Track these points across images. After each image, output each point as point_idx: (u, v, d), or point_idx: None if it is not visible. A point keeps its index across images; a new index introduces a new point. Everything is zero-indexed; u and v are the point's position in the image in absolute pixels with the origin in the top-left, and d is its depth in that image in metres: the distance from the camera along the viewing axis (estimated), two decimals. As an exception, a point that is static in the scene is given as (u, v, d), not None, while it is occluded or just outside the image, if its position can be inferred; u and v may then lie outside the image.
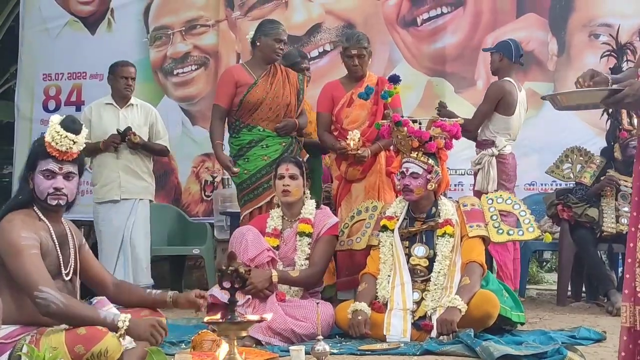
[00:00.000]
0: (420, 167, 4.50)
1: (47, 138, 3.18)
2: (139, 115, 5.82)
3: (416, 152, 4.52)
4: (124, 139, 5.62)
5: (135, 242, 5.71)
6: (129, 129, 5.61)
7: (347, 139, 5.07)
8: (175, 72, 7.64)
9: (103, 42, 7.54)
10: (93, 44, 7.71)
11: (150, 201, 5.94)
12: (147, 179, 5.86)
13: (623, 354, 2.67)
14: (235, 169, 5.20)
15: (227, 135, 5.42)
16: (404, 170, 4.51)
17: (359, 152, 5.04)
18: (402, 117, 4.75)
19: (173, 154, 7.48)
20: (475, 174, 5.63)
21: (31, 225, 3.16)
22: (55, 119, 3.25)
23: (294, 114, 5.30)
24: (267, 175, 5.12)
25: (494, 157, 5.52)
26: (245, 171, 5.23)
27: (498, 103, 5.56)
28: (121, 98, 5.79)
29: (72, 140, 3.19)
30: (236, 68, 5.60)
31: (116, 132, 5.61)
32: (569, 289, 6.10)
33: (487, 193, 5.05)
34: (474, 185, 5.67)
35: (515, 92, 5.59)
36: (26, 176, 3.26)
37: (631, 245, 2.68)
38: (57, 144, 3.17)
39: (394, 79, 5.04)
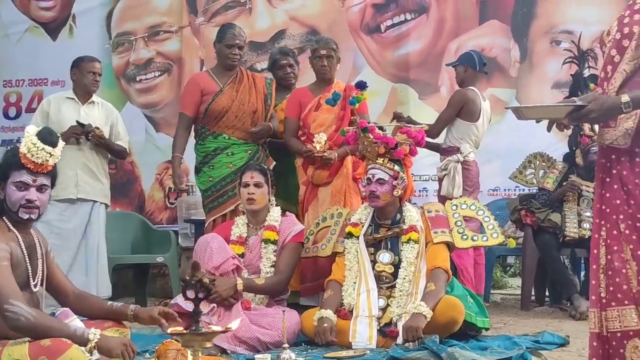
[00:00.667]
0: (387, 173, 4.51)
1: (23, 149, 3.13)
2: (100, 114, 5.64)
3: (382, 159, 4.53)
4: (86, 135, 5.44)
5: (96, 249, 5.55)
6: (90, 125, 5.45)
7: (313, 142, 5.08)
8: (138, 79, 7.60)
9: (64, 48, 7.45)
10: (54, 50, 7.64)
11: (107, 206, 5.78)
12: (104, 181, 5.71)
13: (594, 359, 2.71)
14: (183, 187, 5.34)
15: (194, 141, 5.40)
16: (370, 176, 4.52)
17: (325, 154, 5.04)
18: (369, 123, 4.77)
19: (136, 162, 7.47)
20: (441, 180, 5.68)
21: (1, 236, 3.11)
22: (32, 129, 3.19)
23: (261, 120, 5.28)
24: (232, 183, 5.12)
25: (459, 164, 5.58)
26: (210, 178, 5.23)
27: (461, 109, 5.64)
28: (85, 94, 5.59)
29: (49, 153, 3.15)
30: (201, 75, 5.54)
31: (77, 125, 5.42)
32: (533, 293, 6.16)
33: (452, 199, 5.09)
34: (439, 190, 5.71)
35: (478, 101, 5.67)
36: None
37: (595, 251, 2.71)
38: (32, 155, 3.12)
39: (361, 85, 5.10)
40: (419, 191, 6.79)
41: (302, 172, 5.25)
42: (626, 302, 2.63)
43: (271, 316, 4.29)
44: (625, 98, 2.60)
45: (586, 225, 5.81)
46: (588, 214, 5.84)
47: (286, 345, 3.68)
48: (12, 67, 7.66)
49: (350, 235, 4.58)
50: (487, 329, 4.46)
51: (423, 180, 6.93)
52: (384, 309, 4.32)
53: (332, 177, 5.17)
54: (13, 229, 3.18)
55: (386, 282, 4.42)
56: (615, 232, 2.67)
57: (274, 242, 4.62)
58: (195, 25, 7.55)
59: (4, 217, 3.18)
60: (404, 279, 4.36)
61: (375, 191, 4.49)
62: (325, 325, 4.21)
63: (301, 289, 4.98)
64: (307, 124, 5.22)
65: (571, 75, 6.04)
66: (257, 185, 4.66)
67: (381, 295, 4.37)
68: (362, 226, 4.58)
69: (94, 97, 5.69)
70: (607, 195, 2.72)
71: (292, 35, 7.41)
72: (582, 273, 6.41)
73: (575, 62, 6.01)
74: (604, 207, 2.72)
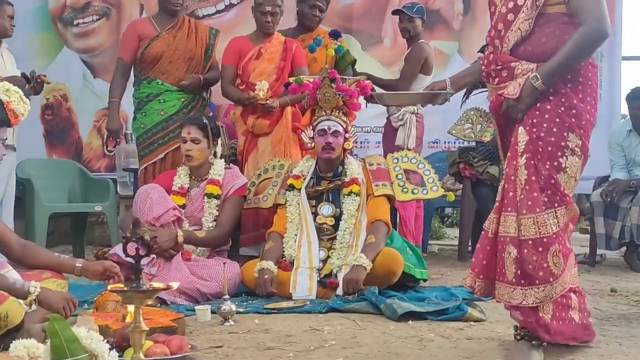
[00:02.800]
0: (341, 125, 4.52)
1: (17, 106, 3.14)
2: (10, 57, 5.37)
3: (338, 111, 4.53)
4: (29, 82, 5.19)
5: (11, 204, 5.34)
6: (34, 72, 5.23)
7: (255, 90, 5.04)
8: (75, 23, 7.39)
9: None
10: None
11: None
12: None
13: (480, 255, 2.95)
14: (116, 136, 5.37)
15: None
16: (326, 128, 4.51)
17: (267, 102, 5.01)
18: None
19: (73, 108, 7.31)
20: (396, 130, 5.72)
21: None
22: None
23: (199, 69, 5.25)
24: (163, 131, 5.17)
25: (414, 115, 5.65)
26: (142, 125, 5.24)
27: (422, 64, 5.72)
28: (2, 37, 5.28)
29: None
30: (141, 21, 5.51)
31: (22, 76, 5.17)
32: (470, 244, 6.28)
33: (408, 149, 5.19)
34: (395, 140, 5.72)
35: (432, 54, 5.78)
36: None
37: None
38: (22, 112, 3.20)
39: (335, 34, 5.12)
40: (361, 143, 6.81)
41: (241, 122, 5.22)
42: (510, 209, 2.82)
43: (212, 268, 4.29)
44: (533, 75, 2.80)
45: (523, 178, 5.92)
46: (525, 167, 5.96)
47: (227, 296, 3.69)
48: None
49: (292, 187, 4.59)
50: (425, 280, 4.54)
51: (365, 132, 6.95)
52: (324, 261, 4.36)
53: (272, 126, 5.15)
54: None
55: (327, 234, 4.45)
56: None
57: (217, 197, 4.60)
58: (136, -32, 7.35)
59: None
60: (345, 231, 4.40)
61: (331, 143, 4.49)
62: (265, 276, 4.23)
63: (241, 239, 4.99)
64: (247, 73, 5.18)
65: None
66: (194, 141, 4.61)
67: (322, 247, 4.41)
68: (304, 178, 4.59)
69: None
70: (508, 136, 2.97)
71: (235, -18, 7.29)
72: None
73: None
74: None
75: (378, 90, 5.51)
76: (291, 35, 5.39)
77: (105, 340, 2.12)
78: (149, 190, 4.46)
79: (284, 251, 4.44)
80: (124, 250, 2.10)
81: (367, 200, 4.50)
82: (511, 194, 2.82)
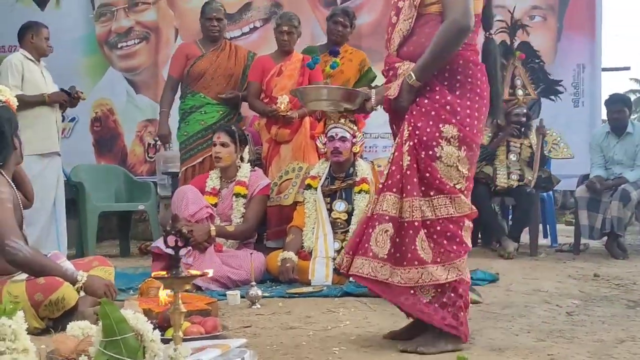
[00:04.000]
0: (347, 132, 4.53)
1: None
2: (49, 75, 5.38)
3: (344, 119, 4.54)
4: (70, 99, 5.27)
5: (62, 205, 5.34)
6: (74, 88, 5.32)
7: (277, 103, 5.06)
8: (119, 46, 7.45)
9: (52, 17, 7.20)
10: (43, 19, 7.30)
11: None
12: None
13: (357, 239, 2.73)
14: (165, 140, 5.45)
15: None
16: (334, 134, 4.52)
17: (288, 113, 5.04)
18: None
19: (119, 120, 7.39)
20: None
21: (6, 184, 3.08)
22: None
23: (237, 86, 5.34)
24: (202, 138, 5.23)
25: None
26: (185, 133, 5.31)
27: None
28: (40, 56, 5.32)
29: None
30: (189, 44, 5.62)
31: (61, 91, 5.24)
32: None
33: None
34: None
35: None
36: (11, 137, 3.15)
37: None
38: None
39: (334, 52, 5.14)
40: (369, 147, 6.81)
41: (265, 131, 5.24)
42: (394, 190, 2.66)
43: (240, 257, 4.32)
44: (407, 73, 2.64)
45: (514, 176, 5.91)
46: (517, 167, 5.94)
47: (253, 282, 3.72)
48: (4, 34, 7.40)
49: (309, 186, 4.60)
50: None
51: (373, 138, 6.95)
52: (338, 251, 4.35)
53: (292, 135, 5.16)
54: (8, 179, 3.14)
55: (341, 228, 4.46)
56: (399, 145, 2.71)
57: (244, 196, 4.64)
58: (171, -3, 7.40)
59: (0, 170, 3.14)
60: (356, 224, 4.39)
61: (338, 147, 4.50)
62: (287, 265, 4.26)
63: (267, 233, 5.02)
64: (269, 88, 5.20)
65: (499, 44, 6.06)
66: (223, 144, 4.66)
67: (336, 239, 4.42)
68: (320, 179, 4.60)
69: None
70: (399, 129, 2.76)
71: (257, 7, 7.31)
72: (510, 218, 6.53)
73: (506, 32, 6.05)
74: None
75: None
76: (321, 51, 5.39)
77: (149, 322, 2.13)
78: (186, 191, 4.50)
79: (303, 243, 4.46)
80: (165, 242, 2.12)
81: (376, 197, 4.50)
82: (398, 176, 2.66)
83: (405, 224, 2.63)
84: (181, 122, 5.36)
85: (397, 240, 2.65)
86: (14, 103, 3.30)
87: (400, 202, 2.65)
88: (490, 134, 6.04)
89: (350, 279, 4.07)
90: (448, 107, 2.63)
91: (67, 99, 5.27)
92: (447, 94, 2.65)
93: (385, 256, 2.64)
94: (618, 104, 6.13)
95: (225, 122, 5.15)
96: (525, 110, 6.01)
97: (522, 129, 6.03)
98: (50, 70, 5.45)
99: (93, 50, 7.44)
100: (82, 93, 5.36)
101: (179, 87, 5.42)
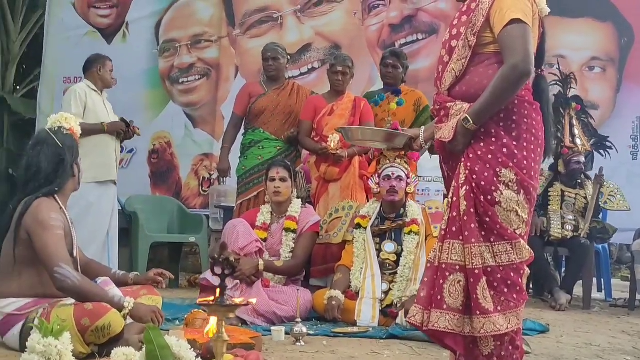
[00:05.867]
0: (403, 172, 4.51)
1: None
2: (110, 106, 5.48)
3: (400, 159, 4.52)
4: (126, 131, 5.37)
5: (115, 233, 5.40)
6: (133, 122, 5.45)
7: (327, 142, 5.08)
8: (180, 81, 7.61)
9: (118, 51, 7.44)
10: (109, 52, 7.56)
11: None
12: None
13: (431, 292, 2.59)
14: (224, 175, 5.56)
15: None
16: (390, 173, 4.50)
17: (338, 152, 5.04)
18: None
19: (176, 153, 7.51)
20: None
21: (58, 210, 3.15)
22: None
23: (296, 123, 5.39)
24: (258, 173, 5.25)
25: None
26: (243, 167, 5.40)
27: None
28: (104, 87, 5.44)
29: None
30: (253, 83, 5.77)
31: (120, 121, 5.36)
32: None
33: None
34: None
35: None
36: (72, 164, 3.24)
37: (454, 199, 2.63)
38: None
39: (397, 92, 5.20)
40: (422, 190, 6.74)
41: (315, 169, 5.25)
42: (460, 237, 2.55)
43: (287, 294, 4.30)
44: (463, 116, 2.56)
45: (568, 227, 5.79)
46: (571, 217, 5.82)
47: (299, 319, 3.68)
48: (71, 65, 7.65)
49: (359, 226, 4.57)
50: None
51: (426, 181, 6.88)
52: (386, 292, 4.31)
53: (341, 174, 5.15)
54: (62, 206, 3.20)
55: (389, 269, 4.41)
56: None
57: (294, 231, 4.64)
58: (233, 36, 7.53)
59: (54, 196, 3.20)
60: (405, 266, 4.35)
61: (395, 186, 4.47)
62: (334, 303, 4.21)
63: (311, 271, 4.98)
64: (320, 127, 5.23)
65: (554, 95, 6.01)
66: (282, 179, 4.69)
67: (384, 280, 4.36)
68: (370, 218, 4.57)
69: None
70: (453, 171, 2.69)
71: (317, 49, 7.38)
72: (563, 270, 6.37)
73: (559, 84, 6.02)
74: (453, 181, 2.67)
75: None
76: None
77: (192, 350, 2.13)
78: (236, 224, 4.52)
79: (350, 282, 4.41)
80: (212, 269, 2.12)
81: (426, 239, 4.44)
82: (459, 223, 2.56)
83: (466, 272, 2.54)
84: (241, 157, 5.45)
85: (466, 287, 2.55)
86: (78, 132, 3.39)
87: (463, 249, 2.56)
88: (545, 184, 5.94)
89: (397, 320, 4.07)
90: (505, 150, 2.56)
91: (125, 129, 5.38)
92: (504, 136, 2.58)
93: (460, 307, 2.53)
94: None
95: (282, 158, 5.17)
96: (584, 159, 5.92)
97: (579, 180, 5.94)
98: (113, 102, 5.59)
99: (155, 84, 7.60)
100: (138, 129, 5.48)
101: (242, 124, 5.53)
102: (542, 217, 5.83)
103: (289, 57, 5.62)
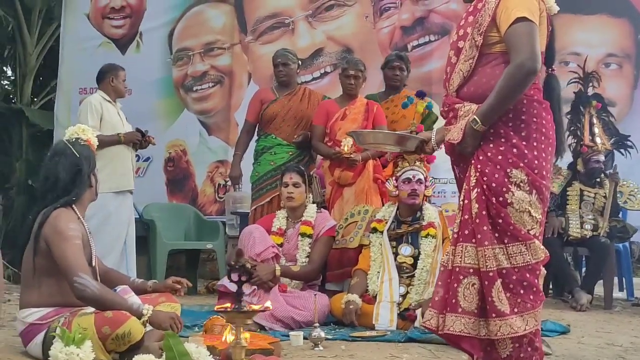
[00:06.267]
0: (422, 175, 4.52)
1: None
2: (123, 115, 5.50)
3: (419, 162, 4.53)
4: (142, 140, 5.40)
5: (133, 241, 5.41)
6: (147, 132, 5.47)
7: (340, 146, 5.09)
8: (194, 89, 7.64)
9: (132, 61, 7.51)
10: (123, 62, 7.60)
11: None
12: None
13: (445, 295, 2.60)
14: (236, 182, 5.62)
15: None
16: (411, 177, 4.49)
17: (351, 155, 5.05)
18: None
19: (191, 160, 7.55)
20: None
21: (76, 220, 3.19)
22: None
23: (307, 128, 5.40)
24: (272, 178, 5.28)
25: None
26: (256, 173, 5.42)
27: None
28: (118, 97, 5.47)
29: None
30: (264, 89, 5.79)
31: (136, 131, 5.40)
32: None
33: None
34: None
35: None
36: (89, 175, 3.28)
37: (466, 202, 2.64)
38: None
39: (421, 94, 5.22)
40: (438, 192, 6.73)
41: (329, 173, 5.26)
42: (473, 240, 2.56)
43: (304, 298, 4.31)
44: (472, 117, 2.56)
45: (587, 226, 5.76)
46: (590, 216, 5.79)
47: (317, 324, 3.69)
48: (86, 76, 7.69)
49: (375, 230, 4.57)
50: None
51: (442, 183, 6.87)
52: (404, 296, 4.31)
53: (355, 178, 5.15)
54: (80, 217, 3.24)
55: (406, 272, 4.40)
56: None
57: (310, 236, 4.65)
58: (245, 43, 7.57)
59: (72, 206, 3.24)
60: (422, 269, 4.35)
61: (416, 189, 4.47)
62: (351, 307, 4.21)
63: (327, 275, 4.99)
64: (333, 131, 5.24)
65: (574, 92, 5.98)
66: (295, 185, 4.70)
67: (402, 284, 4.35)
68: (386, 222, 4.57)
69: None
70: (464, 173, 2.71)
71: (329, 53, 7.40)
72: (583, 269, 6.33)
73: (579, 83, 5.97)
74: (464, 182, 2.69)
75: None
76: (382, 97, 5.45)
77: (212, 356, 2.15)
78: (252, 230, 4.54)
79: (367, 286, 4.41)
80: (228, 275, 2.13)
81: (442, 242, 4.43)
82: (472, 226, 2.56)
83: (480, 275, 2.54)
84: (254, 163, 5.47)
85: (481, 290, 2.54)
86: (95, 143, 3.43)
87: (476, 251, 2.56)
88: (563, 183, 5.91)
89: (415, 323, 4.06)
90: (515, 150, 2.56)
91: (141, 138, 5.43)
92: (513, 137, 2.57)
93: (475, 310, 2.53)
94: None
95: (295, 163, 5.19)
96: (603, 158, 5.88)
97: (599, 179, 5.91)
98: (127, 111, 5.63)
99: (169, 92, 7.64)
100: (153, 138, 5.52)
101: (255, 131, 5.56)
102: (560, 216, 5.80)
103: (299, 62, 5.65)
